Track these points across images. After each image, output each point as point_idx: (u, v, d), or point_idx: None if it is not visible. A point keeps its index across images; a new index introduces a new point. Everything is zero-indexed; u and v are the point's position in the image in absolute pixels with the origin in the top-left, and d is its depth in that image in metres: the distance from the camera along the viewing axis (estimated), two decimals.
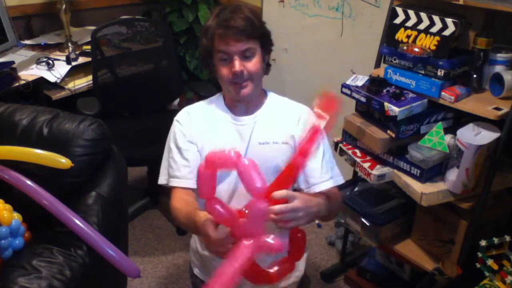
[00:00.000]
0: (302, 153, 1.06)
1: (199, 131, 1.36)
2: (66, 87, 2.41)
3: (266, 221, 1.03)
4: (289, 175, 1.08)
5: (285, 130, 1.36)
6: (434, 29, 1.62)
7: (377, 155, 1.81)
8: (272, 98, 1.42)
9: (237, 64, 1.25)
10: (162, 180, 1.41)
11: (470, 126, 1.61)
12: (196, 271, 1.54)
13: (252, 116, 1.36)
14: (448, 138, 1.64)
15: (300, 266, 1.52)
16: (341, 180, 1.39)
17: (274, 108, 1.39)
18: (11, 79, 2.26)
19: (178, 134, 1.37)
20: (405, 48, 1.68)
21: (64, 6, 2.57)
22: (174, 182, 1.36)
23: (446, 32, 1.59)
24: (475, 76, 1.64)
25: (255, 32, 1.27)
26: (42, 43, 2.69)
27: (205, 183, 1.05)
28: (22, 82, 2.26)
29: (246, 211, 1.05)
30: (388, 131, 1.71)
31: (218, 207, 1.03)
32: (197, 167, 1.35)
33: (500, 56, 1.62)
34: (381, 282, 2.12)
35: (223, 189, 1.34)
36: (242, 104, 1.36)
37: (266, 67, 1.36)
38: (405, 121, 1.66)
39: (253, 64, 1.28)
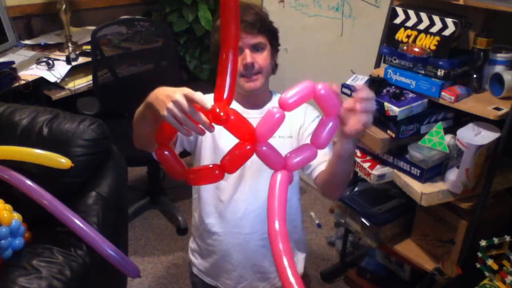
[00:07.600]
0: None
1: None
2: (66, 87, 2.41)
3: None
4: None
5: (291, 125, 1.37)
6: (434, 29, 1.62)
7: (377, 155, 1.81)
8: (279, 97, 1.43)
9: (248, 56, 1.28)
10: None
11: (470, 126, 1.61)
12: (195, 270, 1.55)
13: (259, 110, 1.37)
14: (448, 138, 1.64)
15: (299, 265, 1.52)
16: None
17: None
18: (11, 79, 2.26)
19: None
20: (405, 48, 1.68)
21: (64, 6, 2.57)
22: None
23: (446, 32, 1.59)
24: (475, 76, 1.64)
25: (265, 27, 1.31)
26: (42, 43, 2.69)
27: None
28: (22, 82, 2.26)
29: None
30: (388, 131, 1.71)
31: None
32: (182, 141, 1.34)
33: (500, 56, 1.62)
34: (381, 282, 2.12)
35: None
36: (250, 99, 1.37)
37: (274, 66, 1.38)
38: (405, 121, 1.66)
39: (263, 58, 1.31)
